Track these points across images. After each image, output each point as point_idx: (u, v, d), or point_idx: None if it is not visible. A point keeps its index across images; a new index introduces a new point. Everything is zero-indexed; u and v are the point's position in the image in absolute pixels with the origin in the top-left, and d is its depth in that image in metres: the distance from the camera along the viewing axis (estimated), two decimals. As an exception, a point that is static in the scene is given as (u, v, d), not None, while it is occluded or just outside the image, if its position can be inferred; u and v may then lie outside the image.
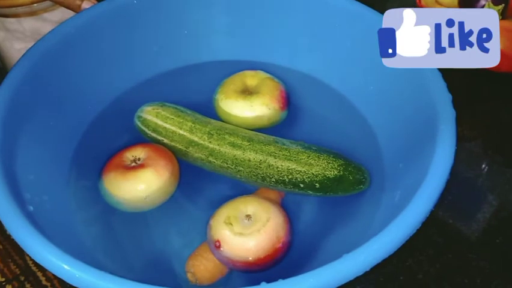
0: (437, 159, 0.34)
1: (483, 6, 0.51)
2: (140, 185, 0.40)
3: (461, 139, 0.36)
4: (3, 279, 0.41)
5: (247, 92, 0.46)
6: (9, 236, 0.42)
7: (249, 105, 0.45)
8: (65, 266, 0.30)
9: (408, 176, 0.37)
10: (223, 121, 0.46)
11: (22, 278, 0.41)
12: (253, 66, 0.50)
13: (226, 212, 0.38)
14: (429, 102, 0.38)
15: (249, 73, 0.48)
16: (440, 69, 0.40)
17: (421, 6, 0.52)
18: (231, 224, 0.37)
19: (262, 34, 0.50)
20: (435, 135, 0.35)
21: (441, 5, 0.55)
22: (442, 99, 0.37)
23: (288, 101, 0.47)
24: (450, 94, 0.38)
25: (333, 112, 0.49)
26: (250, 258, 0.36)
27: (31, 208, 0.35)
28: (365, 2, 0.46)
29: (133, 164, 0.41)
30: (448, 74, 0.39)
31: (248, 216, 0.37)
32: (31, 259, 0.42)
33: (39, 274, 0.41)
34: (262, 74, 0.48)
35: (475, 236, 0.43)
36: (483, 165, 0.48)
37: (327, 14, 0.47)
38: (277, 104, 0.45)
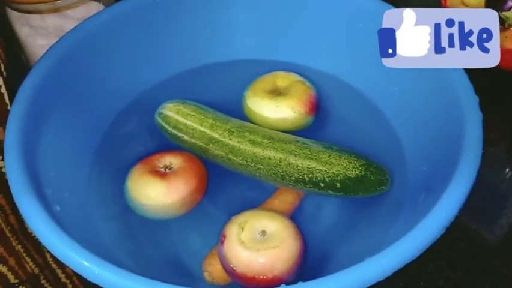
0: (463, 162, 0.33)
1: (510, 9, 0.50)
2: (146, 191, 0.40)
3: (484, 143, 0.35)
4: (23, 276, 0.41)
5: (276, 93, 0.46)
6: (30, 233, 0.43)
7: (274, 106, 0.45)
8: (85, 263, 0.30)
9: (433, 179, 0.37)
10: (248, 118, 0.46)
11: (42, 276, 0.41)
12: (275, 65, 0.49)
13: (248, 217, 0.37)
14: (455, 104, 0.37)
15: (281, 74, 0.48)
16: (465, 70, 0.39)
17: (447, 7, 0.51)
18: (242, 229, 0.36)
19: (285, 34, 0.50)
20: (462, 139, 0.35)
21: (467, 6, 0.54)
22: (469, 101, 0.37)
23: (318, 107, 0.46)
24: (477, 96, 0.37)
25: (356, 113, 0.48)
26: (237, 270, 0.35)
27: (58, 208, 0.36)
28: (389, 1, 0.45)
29: (161, 169, 0.41)
30: (472, 76, 0.39)
31: (263, 232, 0.36)
32: (51, 256, 0.42)
33: (58, 271, 0.41)
34: (294, 77, 0.47)
35: (498, 242, 0.42)
36: (507, 170, 0.47)
37: (351, 13, 0.47)
38: (303, 108, 0.45)
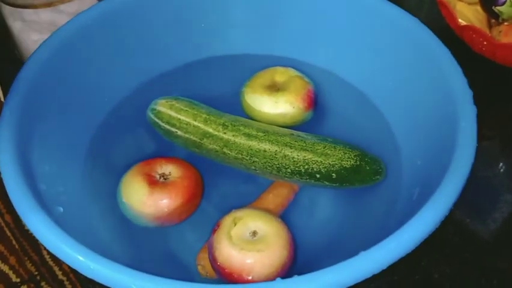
0: (457, 156, 0.33)
1: (503, 4, 0.50)
2: (131, 191, 0.39)
3: (478, 138, 0.35)
4: (24, 274, 0.41)
5: (274, 88, 0.46)
6: (27, 231, 0.43)
7: (273, 102, 0.45)
8: (80, 257, 0.30)
9: (427, 173, 0.37)
10: (246, 114, 0.46)
11: (38, 274, 0.41)
12: (271, 60, 0.49)
13: (246, 214, 0.37)
14: (449, 98, 0.37)
15: (279, 69, 0.47)
16: (460, 64, 0.39)
17: (441, 1, 0.51)
18: (235, 224, 0.36)
19: (281, 28, 0.50)
20: (456, 133, 0.35)
21: (461, 1, 0.54)
22: (463, 96, 0.37)
23: (316, 102, 0.46)
24: (471, 90, 0.37)
25: (352, 108, 0.48)
26: (218, 261, 0.35)
27: (61, 209, 0.36)
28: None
29: (156, 176, 0.40)
30: (467, 70, 0.39)
31: (254, 233, 0.36)
32: (48, 253, 0.42)
33: (55, 269, 0.41)
34: (292, 72, 0.47)
35: (492, 236, 0.42)
36: (500, 164, 0.47)
37: (347, 9, 0.47)
38: (302, 103, 0.45)
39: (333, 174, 0.39)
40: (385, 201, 0.40)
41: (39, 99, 0.40)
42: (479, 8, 0.54)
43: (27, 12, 0.48)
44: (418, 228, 0.30)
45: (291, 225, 0.38)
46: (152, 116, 0.45)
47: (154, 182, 0.40)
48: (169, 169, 0.41)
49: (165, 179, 0.40)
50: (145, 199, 0.39)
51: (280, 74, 0.47)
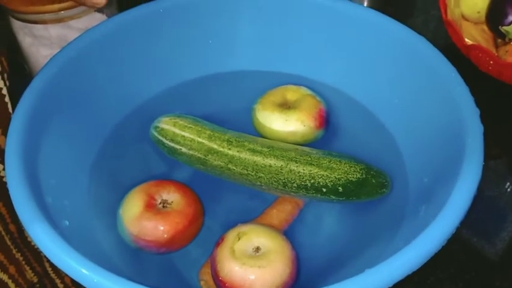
0: (464, 175, 0.33)
1: (510, 23, 0.51)
2: (128, 205, 0.39)
3: (485, 156, 0.35)
4: (23, 284, 0.41)
5: (285, 106, 0.46)
6: (29, 242, 0.43)
7: (284, 119, 0.45)
8: (84, 271, 0.30)
9: (434, 191, 0.37)
10: (257, 131, 0.46)
11: (40, 285, 0.41)
12: (279, 77, 0.50)
13: (250, 229, 0.37)
14: (456, 117, 0.37)
15: (291, 87, 0.48)
16: (466, 83, 0.39)
17: (447, 21, 0.52)
18: (239, 239, 0.36)
19: (289, 46, 0.50)
20: (463, 151, 0.35)
21: (467, 20, 0.55)
22: (470, 114, 0.37)
23: (328, 121, 0.46)
24: (478, 109, 0.37)
25: (361, 127, 0.48)
26: (219, 275, 0.35)
27: (67, 223, 0.36)
28: (392, 15, 0.46)
29: (156, 201, 0.39)
30: (473, 88, 0.39)
31: (257, 249, 0.36)
32: (50, 265, 0.42)
33: (57, 281, 0.41)
34: (304, 90, 0.47)
35: (499, 255, 0.42)
36: (507, 184, 0.47)
37: (352, 25, 0.47)
38: (313, 122, 0.45)
39: (340, 188, 0.39)
40: (390, 219, 0.40)
41: (47, 113, 0.40)
42: (485, 27, 0.54)
43: (37, 28, 0.49)
44: (424, 246, 0.30)
45: (295, 242, 0.38)
46: (155, 133, 0.45)
47: (152, 206, 0.39)
48: (173, 198, 0.40)
49: (164, 206, 0.39)
50: (135, 218, 0.38)
51: (292, 92, 0.47)
